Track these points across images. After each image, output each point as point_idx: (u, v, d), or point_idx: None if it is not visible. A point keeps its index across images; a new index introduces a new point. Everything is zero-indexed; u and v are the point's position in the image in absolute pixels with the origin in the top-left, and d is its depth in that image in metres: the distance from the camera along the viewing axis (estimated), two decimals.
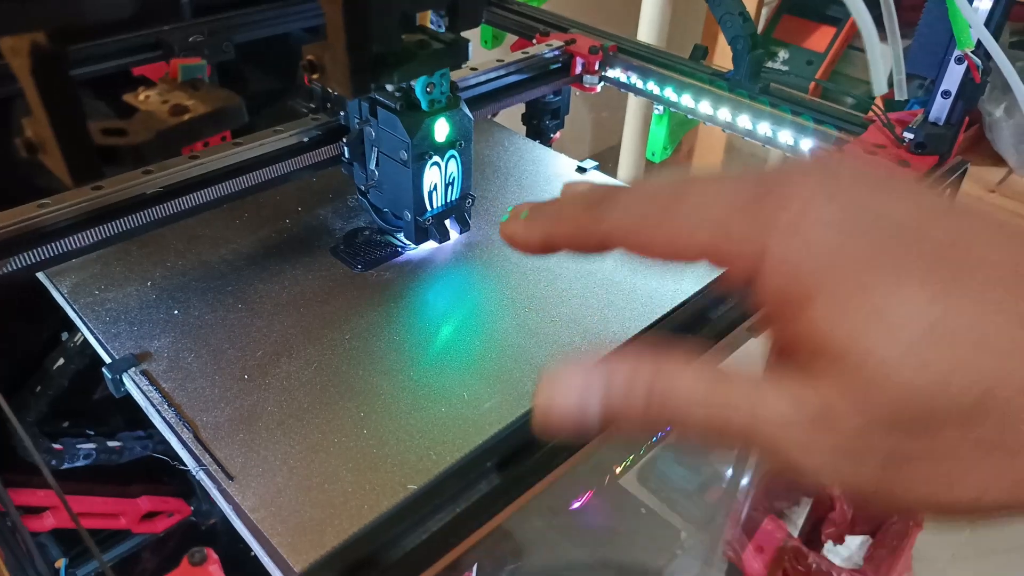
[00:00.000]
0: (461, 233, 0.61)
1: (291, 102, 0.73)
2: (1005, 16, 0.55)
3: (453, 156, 0.55)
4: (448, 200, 0.58)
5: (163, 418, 0.44)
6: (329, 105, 0.58)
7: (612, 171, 1.59)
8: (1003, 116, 1.20)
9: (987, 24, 0.54)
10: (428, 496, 0.37)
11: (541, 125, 0.86)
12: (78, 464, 0.69)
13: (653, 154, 0.82)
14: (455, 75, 0.70)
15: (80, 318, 0.51)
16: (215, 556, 0.29)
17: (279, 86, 0.80)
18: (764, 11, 1.47)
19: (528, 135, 0.87)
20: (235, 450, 0.42)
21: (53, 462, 0.66)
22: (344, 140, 0.57)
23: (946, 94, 0.60)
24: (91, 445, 0.70)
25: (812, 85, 1.34)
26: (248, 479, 0.41)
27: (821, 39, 1.38)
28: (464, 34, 0.49)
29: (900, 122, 0.64)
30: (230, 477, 0.41)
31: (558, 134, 0.89)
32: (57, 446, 0.66)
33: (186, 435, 0.43)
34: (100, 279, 0.54)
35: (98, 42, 0.62)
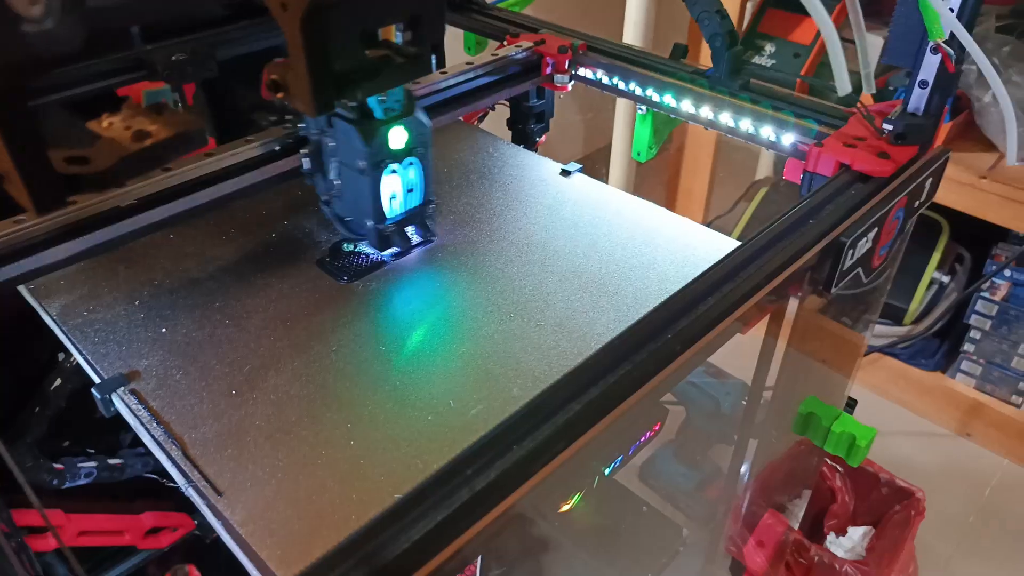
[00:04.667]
0: (424, 240, 0.61)
1: (253, 115, 0.74)
2: (978, 4, 0.55)
3: (412, 163, 0.56)
4: (409, 207, 0.58)
5: (152, 436, 0.44)
6: (288, 117, 0.58)
7: (603, 171, 1.59)
8: (992, 101, 1.20)
9: (960, 13, 0.55)
10: (411, 503, 0.37)
11: (526, 129, 0.87)
12: (79, 483, 0.69)
13: (639, 154, 0.82)
14: (426, 79, 0.71)
15: (69, 339, 0.52)
16: (197, 572, 0.30)
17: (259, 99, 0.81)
18: (749, 5, 1.47)
19: (514, 140, 0.88)
20: (224, 465, 0.43)
21: (54, 482, 0.66)
22: (304, 151, 0.57)
23: (923, 84, 0.60)
24: (92, 463, 0.70)
25: (798, 82, 1.34)
26: (237, 494, 0.41)
27: (807, 31, 1.38)
28: (448, 40, 0.49)
29: (880, 113, 0.64)
30: (219, 493, 0.41)
31: (543, 137, 0.89)
32: (58, 465, 0.67)
33: (175, 452, 0.43)
34: (88, 300, 0.54)
35: (80, 64, 0.63)
